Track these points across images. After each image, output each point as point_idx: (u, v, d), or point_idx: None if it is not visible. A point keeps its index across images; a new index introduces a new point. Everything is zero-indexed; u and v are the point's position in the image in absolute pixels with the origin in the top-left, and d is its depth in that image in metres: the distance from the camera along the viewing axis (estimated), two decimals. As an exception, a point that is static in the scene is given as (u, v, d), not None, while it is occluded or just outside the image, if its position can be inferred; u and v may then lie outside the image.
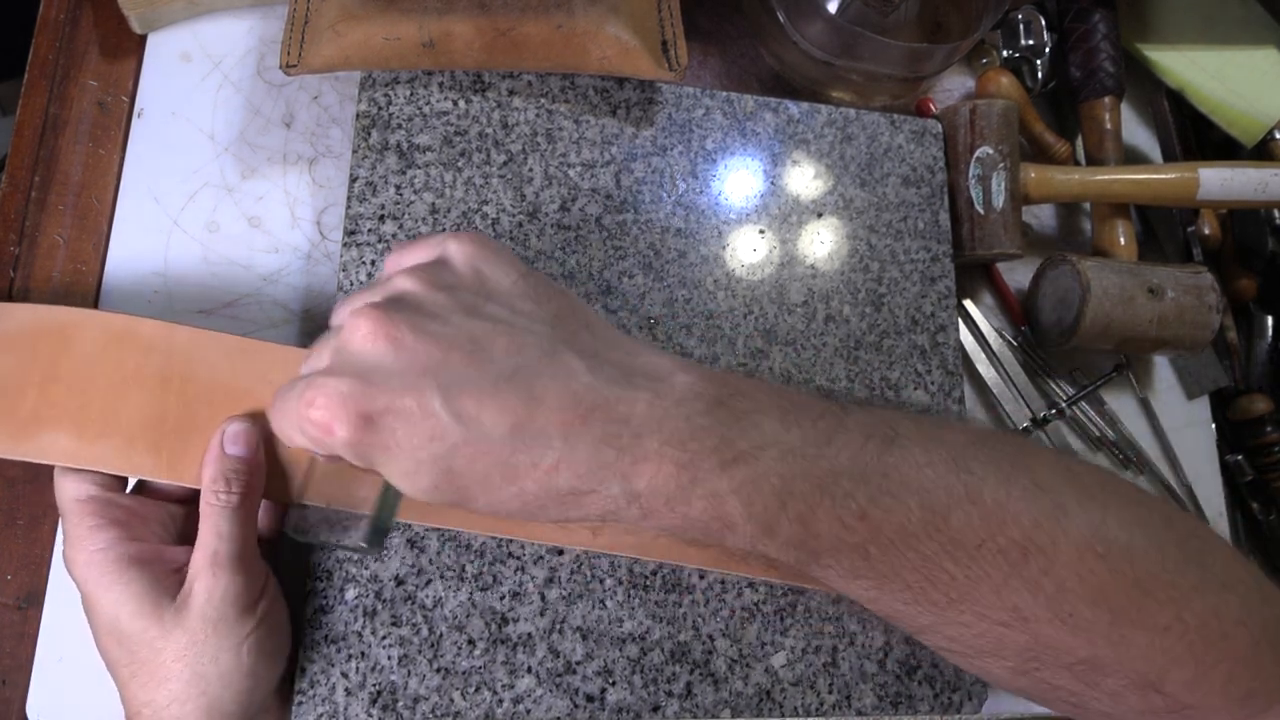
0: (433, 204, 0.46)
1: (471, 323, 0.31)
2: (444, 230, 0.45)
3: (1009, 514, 0.31)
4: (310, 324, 0.47)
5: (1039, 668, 0.32)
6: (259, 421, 0.39)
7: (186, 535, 0.39)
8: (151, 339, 0.39)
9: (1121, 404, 0.59)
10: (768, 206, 0.51)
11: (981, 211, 0.54)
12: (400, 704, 0.40)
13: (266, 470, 0.39)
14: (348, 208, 0.45)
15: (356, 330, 0.30)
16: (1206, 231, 0.64)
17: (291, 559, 0.43)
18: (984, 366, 0.56)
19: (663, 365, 0.32)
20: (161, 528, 0.39)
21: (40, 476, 0.44)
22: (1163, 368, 0.61)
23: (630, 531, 0.41)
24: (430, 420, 0.29)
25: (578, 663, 0.42)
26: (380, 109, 0.46)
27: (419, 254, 0.34)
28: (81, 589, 0.36)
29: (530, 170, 0.47)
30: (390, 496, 0.34)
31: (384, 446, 0.29)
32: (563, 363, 0.30)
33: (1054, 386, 0.57)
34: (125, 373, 0.39)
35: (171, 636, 0.35)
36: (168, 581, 0.36)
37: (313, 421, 0.29)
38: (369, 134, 0.46)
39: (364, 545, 0.34)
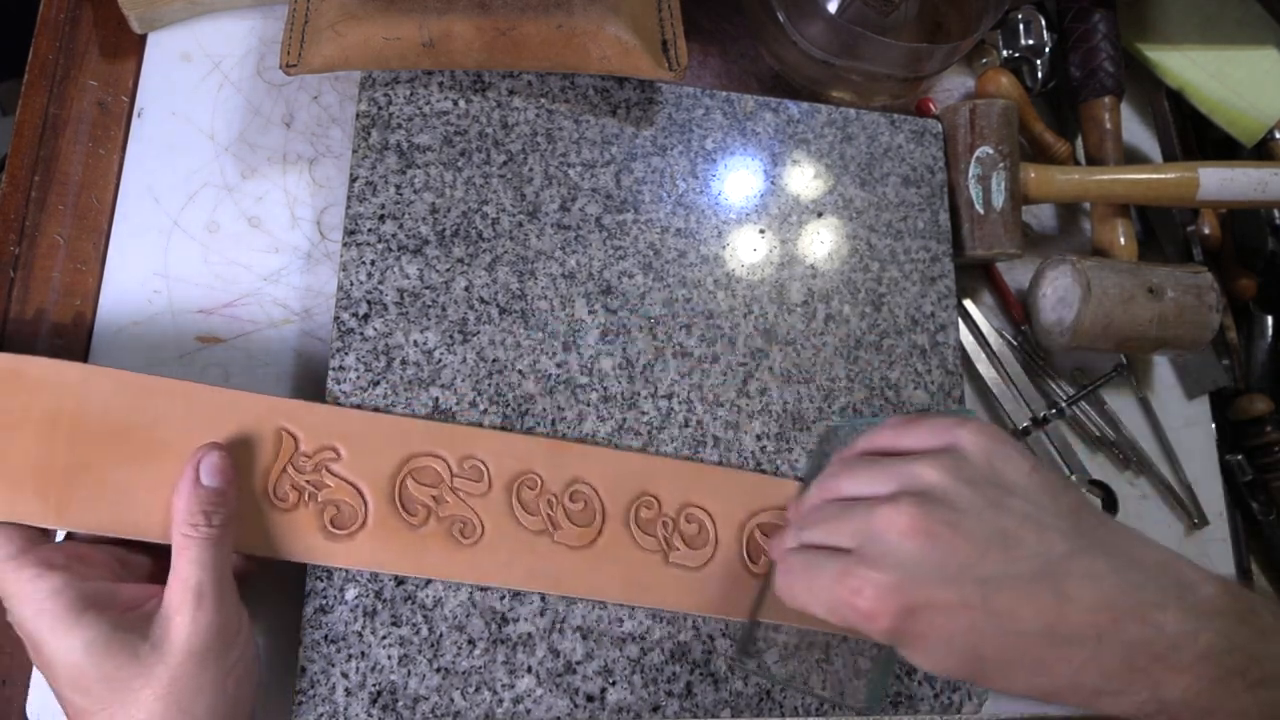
0: (433, 204, 0.46)
1: (999, 518, 0.32)
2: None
3: None
4: (310, 323, 0.47)
5: None
6: (230, 452, 0.37)
7: (135, 572, 0.38)
8: (40, 378, 0.37)
9: (1121, 404, 0.59)
10: (768, 206, 0.51)
11: (981, 211, 0.54)
12: (400, 704, 0.40)
13: (237, 508, 0.38)
14: (348, 207, 0.45)
15: (894, 524, 0.32)
16: (1206, 231, 0.64)
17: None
18: (984, 366, 0.56)
19: (1184, 571, 0.33)
20: (106, 568, 0.37)
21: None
22: (1163, 368, 0.61)
23: None
24: (967, 614, 0.31)
25: (578, 663, 0.42)
26: (380, 109, 0.46)
27: (924, 437, 0.35)
28: (34, 645, 0.34)
29: (530, 170, 0.47)
30: (891, 662, 0.37)
31: (918, 635, 0.31)
32: (1089, 561, 0.32)
33: (1054, 386, 0.57)
34: (12, 415, 0.37)
35: (153, 674, 0.33)
36: (131, 619, 0.34)
37: (857, 609, 0.31)
38: (369, 134, 0.46)
39: (860, 705, 0.38)
